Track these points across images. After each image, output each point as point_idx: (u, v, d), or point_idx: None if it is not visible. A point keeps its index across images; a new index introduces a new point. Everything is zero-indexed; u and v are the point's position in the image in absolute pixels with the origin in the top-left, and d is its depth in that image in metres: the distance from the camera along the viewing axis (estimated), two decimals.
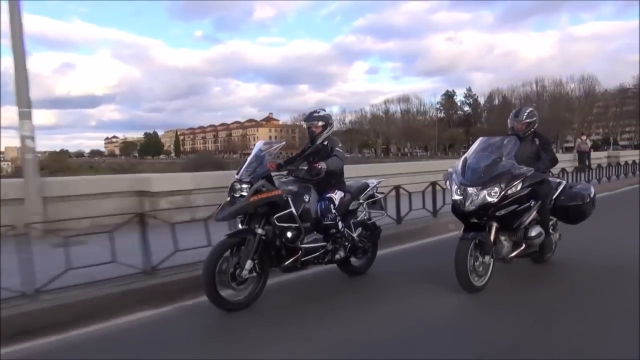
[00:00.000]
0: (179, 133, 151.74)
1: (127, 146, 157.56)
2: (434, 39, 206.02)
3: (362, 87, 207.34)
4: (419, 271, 5.88)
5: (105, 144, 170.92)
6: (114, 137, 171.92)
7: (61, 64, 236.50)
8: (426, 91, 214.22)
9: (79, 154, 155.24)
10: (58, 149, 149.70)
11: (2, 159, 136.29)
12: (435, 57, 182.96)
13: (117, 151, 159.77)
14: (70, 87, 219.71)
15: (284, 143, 5.61)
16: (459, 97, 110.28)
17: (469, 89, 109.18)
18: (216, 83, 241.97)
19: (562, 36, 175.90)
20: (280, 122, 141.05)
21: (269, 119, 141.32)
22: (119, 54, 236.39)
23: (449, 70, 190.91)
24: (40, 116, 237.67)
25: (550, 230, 5.98)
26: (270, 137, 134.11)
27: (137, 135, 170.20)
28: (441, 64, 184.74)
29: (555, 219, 6.24)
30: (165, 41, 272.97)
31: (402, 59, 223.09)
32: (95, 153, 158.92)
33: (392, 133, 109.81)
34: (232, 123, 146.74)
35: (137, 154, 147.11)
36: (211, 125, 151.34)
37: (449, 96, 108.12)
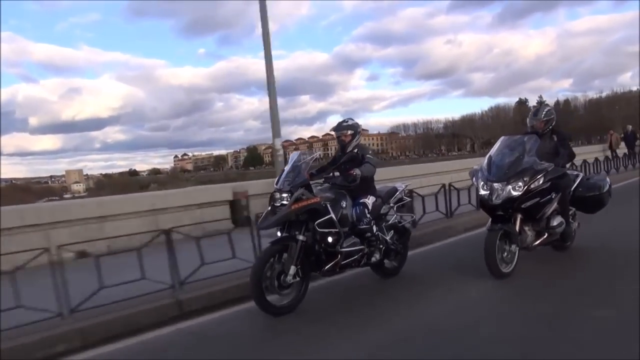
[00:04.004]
0: (264, 147, 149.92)
1: (218, 160, 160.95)
2: (433, 42, 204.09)
3: (363, 94, 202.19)
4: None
5: (175, 161, 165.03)
6: (185, 154, 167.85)
7: (67, 89, 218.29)
8: (427, 94, 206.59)
9: (155, 172, 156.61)
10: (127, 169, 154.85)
11: (52, 181, 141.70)
12: (435, 60, 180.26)
13: (189, 167, 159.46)
14: (76, 111, 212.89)
15: (318, 154, 5.65)
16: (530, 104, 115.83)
17: (540, 97, 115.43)
18: (219, 99, 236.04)
19: (560, 32, 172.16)
20: (369, 132, 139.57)
21: None
22: (124, 76, 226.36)
23: (449, 72, 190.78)
24: (47, 141, 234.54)
25: (570, 220, 5.81)
26: (366, 145, 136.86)
27: (204, 152, 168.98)
28: (441, 67, 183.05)
29: (574, 209, 6.04)
30: (169, 61, 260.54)
31: (402, 64, 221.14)
32: (155, 171, 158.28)
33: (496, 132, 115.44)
34: (324, 135, 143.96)
35: (234, 166, 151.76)
36: (299, 138, 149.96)
37: (520, 103, 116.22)
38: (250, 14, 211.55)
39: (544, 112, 5.89)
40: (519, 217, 5.23)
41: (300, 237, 4.65)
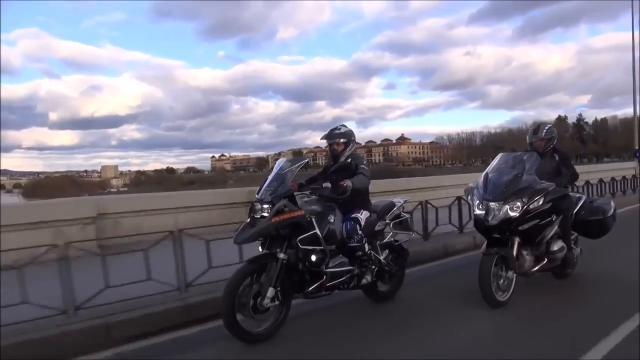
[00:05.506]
0: (305, 152, 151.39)
1: (261, 162, 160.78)
2: (452, 53, 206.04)
3: (379, 102, 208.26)
4: None
5: (212, 161, 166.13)
6: (222, 155, 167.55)
7: (88, 86, 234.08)
8: (442, 105, 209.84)
9: (191, 170, 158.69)
10: (165, 167, 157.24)
11: (86, 176, 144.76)
12: (453, 71, 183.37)
13: (227, 167, 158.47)
14: (95, 108, 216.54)
15: (307, 160, 5.11)
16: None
17: (580, 114, 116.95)
18: (235, 101, 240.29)
19: (580, 48, 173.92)
20: (412, 141, 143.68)
21: (402, 138, 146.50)
22: (144, 76, 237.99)
23: (466, 83, 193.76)
24: (65, 136, 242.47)
25: (572, 245, 5.41)
26: (409, 154, 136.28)
27: (243, 153, 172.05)
28: (459, 78, 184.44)
29: (576, 234, 5.64)
30: (188, 62, 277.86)
31: (419, 74, 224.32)
32: (190, 169, 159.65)
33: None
34: (368, 142, 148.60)
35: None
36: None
37: (560, 119, 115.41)
38: (272, 18, 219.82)
39: (544, 130, 5.53)
40: (516, 240, 4.84)
41: (281, 256, 4.16)
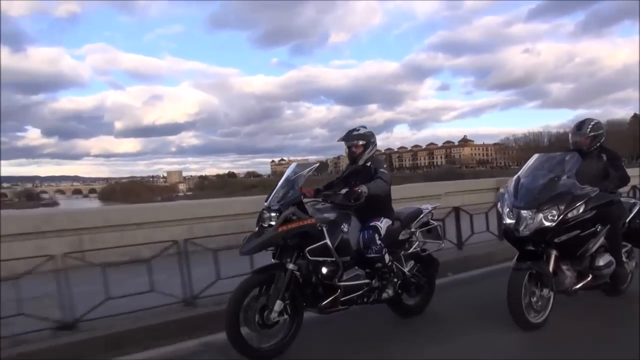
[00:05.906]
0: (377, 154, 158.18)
1: (321, 166, 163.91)
2: (509, 51, 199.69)
3: (432, 104, 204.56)
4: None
5: (272, 166, 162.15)
6: (282, 159, 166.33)
7: (150, 95, 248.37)
8: (499, 105, 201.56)
9: (251, 174, 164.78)
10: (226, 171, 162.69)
11: (152, 181, 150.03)
12: (511, 69, 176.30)
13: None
14: (156, 117, 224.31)
15: (317, 165, 4.85)
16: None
17: None
18: (288, 106, 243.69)
19: None
20: (475, 142, 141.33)
21: (465, 140, 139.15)
22: (201, 84, 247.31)
23: (525, 82, 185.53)
24: (128, 144, 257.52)
25: (624, 259, 4.74)
26: (472, 155, 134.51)
27: (302, 157, 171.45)
28: (516, 77, 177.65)
29: (630, 246, 4.96)
30: (242, 69, 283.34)
31: (474, 74, 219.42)
32: (251, 174, 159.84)
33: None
34: (429, 144, 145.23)
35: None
36: (402, 147, 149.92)
37: (635, 117, 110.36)
38: (324, 24, 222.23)
39: (590, 126, 4.80)
40: (553, 253, 4.24)
41: (290, 266, 3.86)
